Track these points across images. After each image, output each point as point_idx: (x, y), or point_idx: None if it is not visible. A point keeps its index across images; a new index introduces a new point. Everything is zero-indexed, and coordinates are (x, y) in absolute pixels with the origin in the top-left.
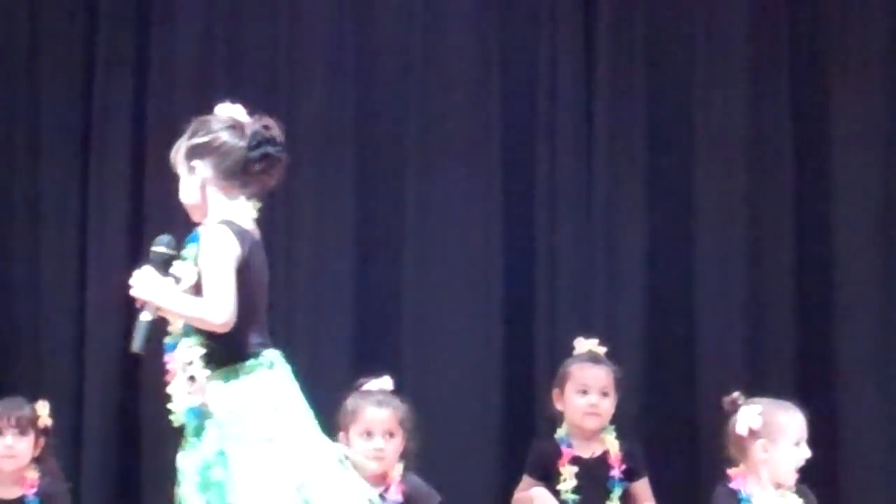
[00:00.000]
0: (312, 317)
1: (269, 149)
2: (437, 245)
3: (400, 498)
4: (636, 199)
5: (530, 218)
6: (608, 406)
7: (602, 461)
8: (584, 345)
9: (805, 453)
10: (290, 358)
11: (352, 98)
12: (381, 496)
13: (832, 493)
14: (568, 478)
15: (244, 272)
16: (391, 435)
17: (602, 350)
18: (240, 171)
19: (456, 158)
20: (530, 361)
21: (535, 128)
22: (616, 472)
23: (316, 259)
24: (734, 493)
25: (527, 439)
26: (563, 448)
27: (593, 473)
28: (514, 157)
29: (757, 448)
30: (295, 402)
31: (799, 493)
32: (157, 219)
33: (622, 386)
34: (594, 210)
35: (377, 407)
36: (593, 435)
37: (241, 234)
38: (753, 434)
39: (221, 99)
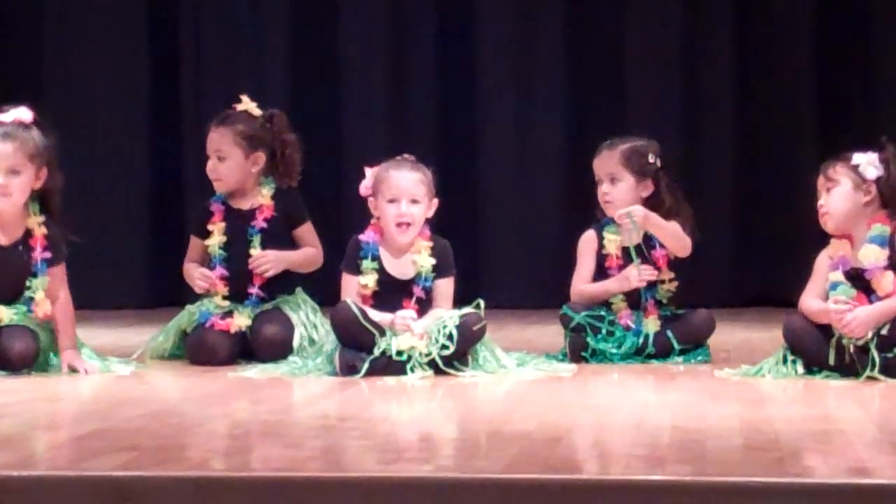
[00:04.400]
0: None
1: None
2: None
3: (44, 251)
4: None
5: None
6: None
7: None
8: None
9: (403, 209)
10: None
11: None
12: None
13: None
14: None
15: None
16: (14, 172)
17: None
18: None
19: None
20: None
21: None
22: (257, 223)
23: None
24: (359, 243)
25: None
26: (216, 205)
27: (239, 224)
28: None
29: (371, 205)
30: None
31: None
32: None
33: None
34: None
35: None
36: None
37: None
38: (369, 193)
39: None
